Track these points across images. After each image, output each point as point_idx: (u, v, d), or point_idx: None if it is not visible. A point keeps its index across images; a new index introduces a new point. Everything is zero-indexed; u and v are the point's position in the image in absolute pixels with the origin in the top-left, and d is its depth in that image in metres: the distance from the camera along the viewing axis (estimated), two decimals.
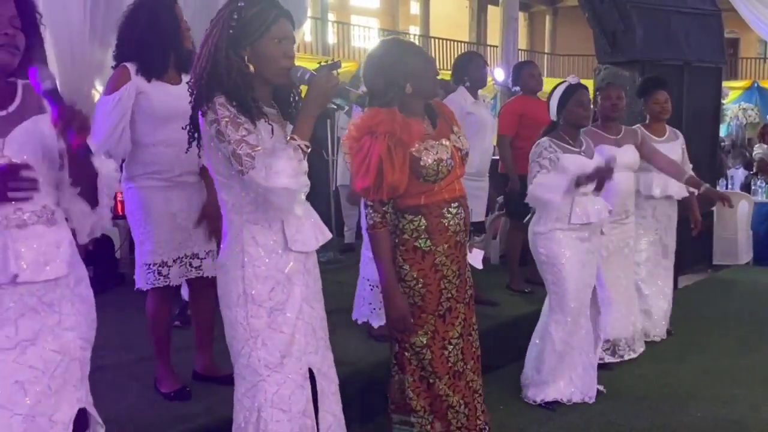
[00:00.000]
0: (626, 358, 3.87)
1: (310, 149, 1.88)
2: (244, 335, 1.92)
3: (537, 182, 3.18)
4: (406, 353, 2.44)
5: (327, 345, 2.11)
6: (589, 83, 4.30)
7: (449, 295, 2.45)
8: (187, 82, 1.96)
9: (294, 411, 1.93)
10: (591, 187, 3.20)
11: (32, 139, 1.65)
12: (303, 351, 1.97)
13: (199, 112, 1.90)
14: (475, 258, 2.80)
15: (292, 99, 2.04)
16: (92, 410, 1.82)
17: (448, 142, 2.41)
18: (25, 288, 1.62)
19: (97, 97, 5.38)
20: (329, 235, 2.10)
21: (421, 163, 2.32)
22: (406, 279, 2.40)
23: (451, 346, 2.47)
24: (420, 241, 2.38)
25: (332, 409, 2.08)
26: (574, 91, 3.26)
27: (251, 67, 1.89)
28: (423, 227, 2.37)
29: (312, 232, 2.02)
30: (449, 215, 2.41)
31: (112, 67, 2.71)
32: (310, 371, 2.00)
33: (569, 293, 3.21)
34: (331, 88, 1.89)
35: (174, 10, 2.66)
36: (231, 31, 1.87)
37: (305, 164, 1.86)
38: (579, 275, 3.22)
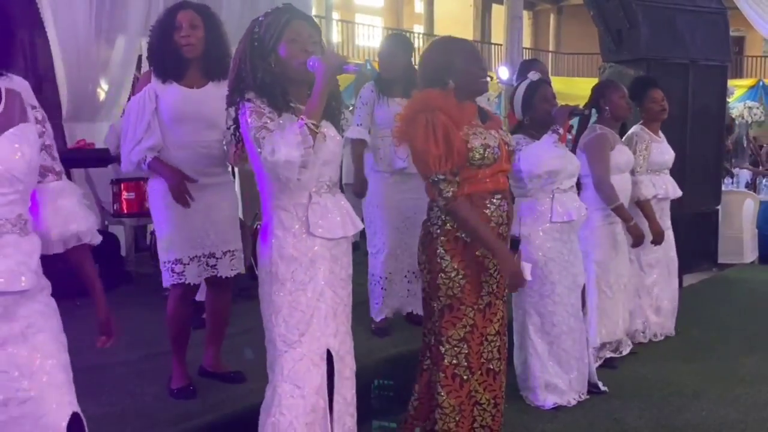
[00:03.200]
0: (623, 353, 3.87)
1: (318, 127, 1.95)
2: (268, 311, 2.07)
3: (524, 156, 3.07)
4: (442, 347, 2.44)
5: (347, 331, 2.19)
6: (594, 82, 4.28)
7: (490, 290, 2.46)
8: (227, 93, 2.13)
9: (308, 389, 2.03)
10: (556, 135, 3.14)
11: (20, 146, 1.59)
12: (322, 332, 2.06)
13: (237, 112, 2.06)
14: (525, 271, 2.76)
15: (332, 101, 2.13)
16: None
17: (496, 134, 2.47)
18: None
19: (102, 95, 5.42)
20: (360, 226, 2.22)
21: (469, 146, 2.36)
22: (446, 270, 2.41)
23: (487, 343, 2.47)
24: (462, 231, 2.40)
25: (344, 393, 2.15)
26: (537, 87, 3.20)
27: (278, 70, 2.03)
28: None
29: (339, 221, 2.11)
30: (492, 206, 2.43)
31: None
32: (329, 353, 2.08)
33: (551, 296, 3.15)
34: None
35: (173, 17, 2.70)
36: (256, 44, 2.05)
37: (310, 140, 1.92)
38: (560, 277, 3.16)
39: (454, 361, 2.43)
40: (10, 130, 1.60)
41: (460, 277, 2.40)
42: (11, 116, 1.62)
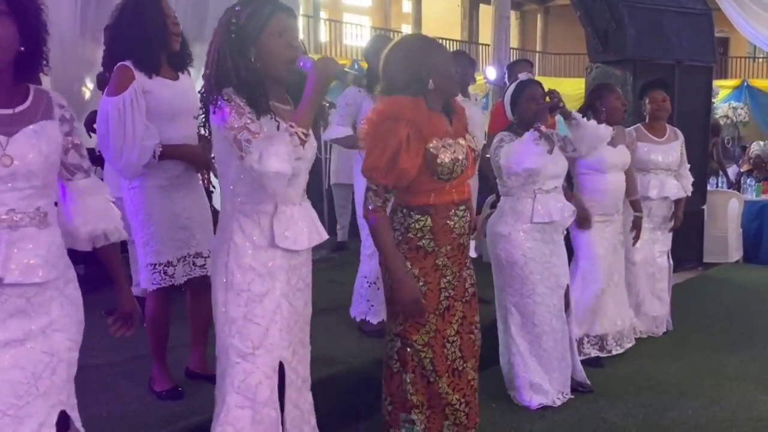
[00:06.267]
0: (614, 353, 3.89)
1: (308, 136, 1.89)
2: (222, 320, 1.99)
3: (504, 153, 3.08)
4: (408, 349, 2.43)
5: (302, 341, 2.12)
6: (581, 82, 4.31)
7: (447, 294, 2.45)
8: (201, 90, 2.01)
9: (258, 401, 1.97)
10: (547, 147, 3.09)
11: (38, 142, 1.63)
12: (276, 345, 1.99)
13: (210, 106, 1.94)
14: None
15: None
16: (74, 414, 1.77)
17: (464, 142, 2.41)
18: (14, 289, 1.60)
19: (87, 94, 5.36)
20: (325, 237, 2.12)
21: (438, 161, 2.30)
22: None
23: (449, 344, 2.47)
24: (424, 241, 2.38)
25: (298, 402, 2.10)
26: (525, 87, 3.21)
27: (258, 65, 1.92)
28: (428, 227, 2.37)
29: (306, 231, 2.03)
30: (456, 218, 2.41)
31: (103, 67, 2.71)
32: (281, 365, 2.02)
33: (531, 296, 3.15)
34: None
35: (159, 5, 2.62)
36: (233, 36, 1.91)
37: (301, 150, 1.86)
38: (542, 277, 3.16)
39: (421, 363, 2.44)
40: (30, 126, 1.64)
41: (421, 284, 2.38)
42: (34, 113, 1.67)
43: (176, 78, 2.69)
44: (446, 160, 2.31)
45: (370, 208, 2.33)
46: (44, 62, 1.69)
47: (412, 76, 2.32)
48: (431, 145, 2.30)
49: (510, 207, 3.20)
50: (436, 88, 2.33)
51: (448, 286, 2.45)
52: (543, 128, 3.05)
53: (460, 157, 2.35)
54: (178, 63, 2.71)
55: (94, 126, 3.71)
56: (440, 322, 2.44)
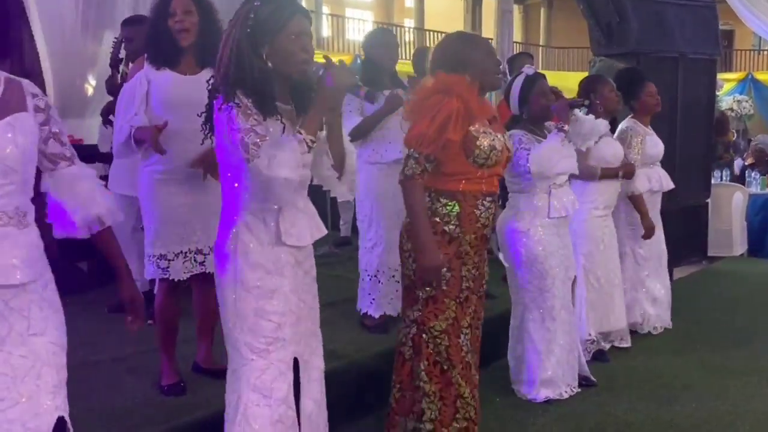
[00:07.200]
0: (623, 346, 3.88)
1: (315, 144, 1.91)
2: (232, 318, 1.99)
3: (536, 160, 3.06)
4: (424, 336, 2.47)
5: (314, 333, 2.13)
6: (585, 76, 4.27)
7: (467, 285, 2.50)
8: (209, 78, 2.02)
9: (274, 398, 1.96)
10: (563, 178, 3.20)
11: (14, 136, 1.57)
12: (289, 341, 2.00)
13: (215, 100, 1.94)
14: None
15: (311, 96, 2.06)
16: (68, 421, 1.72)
17: (502, 138, 2.51)
18: None
19: (90, 90, 5.38)
20: (324, 231, 2.13)
21: (477, 143, 2.40)
22: None
23: (464, 336, 2.51)
24: (449, 226, 2.45)
25: (314, 395, 2.10)
26: (534, 82, 3.19)
27: (270, 64, 1.93)
28: (455, 213, 2.45)
29: (307, 227, 2.05)
30: (483, 207, 2.48)
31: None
32: (295, 361, 2.03)
33: (551, 290, 3.15)
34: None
35: (161, 5, 2.68)
36: (249, 30, 1.91)
37: (308, 157, 1.89)
38: (558, 271, 3.17)
39: (436, 350, 2.46)
40: (5, 119, 1.58)
41: (445, 269, 2.43)
42: (8, 105, 1.60)
43: (195, 73, 2.71)
44: (485, 144, 2.41)
45: (408, 173, 2.39)
46: (15, 45, 1.64)
47: (449, 70, 2.44)
48: (474, 127, 2.40)
49: (525, 203, 3.18)
50: (472, 81, 2.44)
51: (468, 275, 2.49)
52: (567, 128, 3.08)
53: (498, 147, 2.46)
54: (204, 58, 2.71)
55: (110, 118, 3.77)
56: (459, 310, 2.48)
